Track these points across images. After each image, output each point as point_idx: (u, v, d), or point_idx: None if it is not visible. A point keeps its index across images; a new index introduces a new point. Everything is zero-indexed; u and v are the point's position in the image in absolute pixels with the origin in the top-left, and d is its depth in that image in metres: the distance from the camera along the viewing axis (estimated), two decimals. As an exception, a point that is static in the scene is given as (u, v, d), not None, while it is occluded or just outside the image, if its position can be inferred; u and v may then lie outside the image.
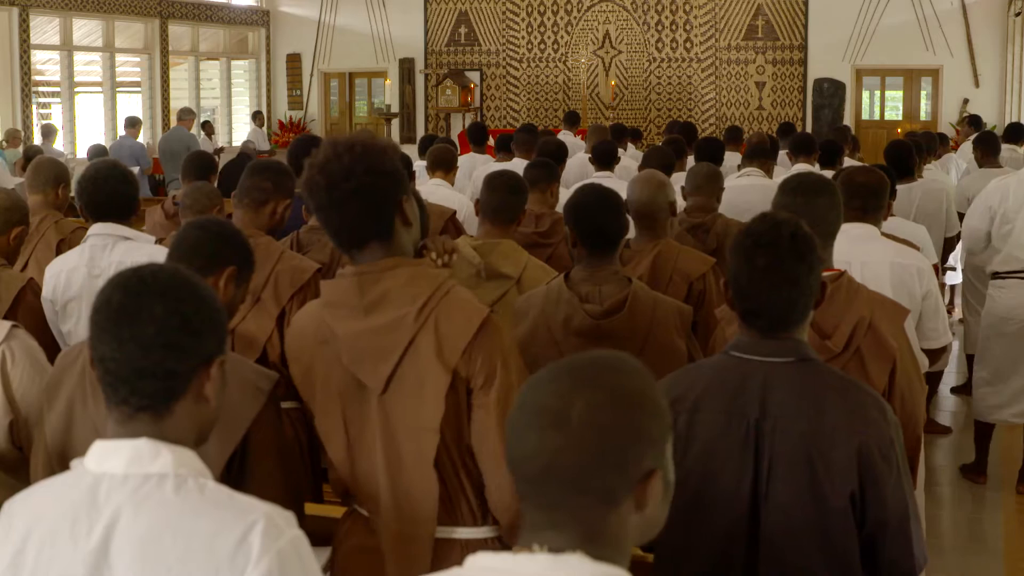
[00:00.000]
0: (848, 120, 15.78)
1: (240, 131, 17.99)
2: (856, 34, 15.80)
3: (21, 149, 11.69)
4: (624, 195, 3.77)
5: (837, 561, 2.13)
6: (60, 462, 2.20)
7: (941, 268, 6.60)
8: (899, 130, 14.21)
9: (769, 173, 6.82)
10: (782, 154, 8.09)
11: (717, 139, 9.09)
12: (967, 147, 10.01)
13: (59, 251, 4.21)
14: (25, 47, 14.27)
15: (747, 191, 6.09)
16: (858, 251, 3.67)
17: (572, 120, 11.76)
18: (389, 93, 16.71)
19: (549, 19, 17.21)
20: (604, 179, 5.97)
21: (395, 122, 16.70)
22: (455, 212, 5.25)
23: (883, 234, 3.88)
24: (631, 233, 3.76)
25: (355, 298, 2.25)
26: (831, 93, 16.16)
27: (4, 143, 12.67)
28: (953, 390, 7.32)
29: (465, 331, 2.22)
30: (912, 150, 6.51)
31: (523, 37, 17.36)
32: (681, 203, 4.98)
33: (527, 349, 3.04)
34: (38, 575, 1.57)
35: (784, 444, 2.14)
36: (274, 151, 16.18)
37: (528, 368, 2.27)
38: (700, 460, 2.19)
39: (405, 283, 2.24)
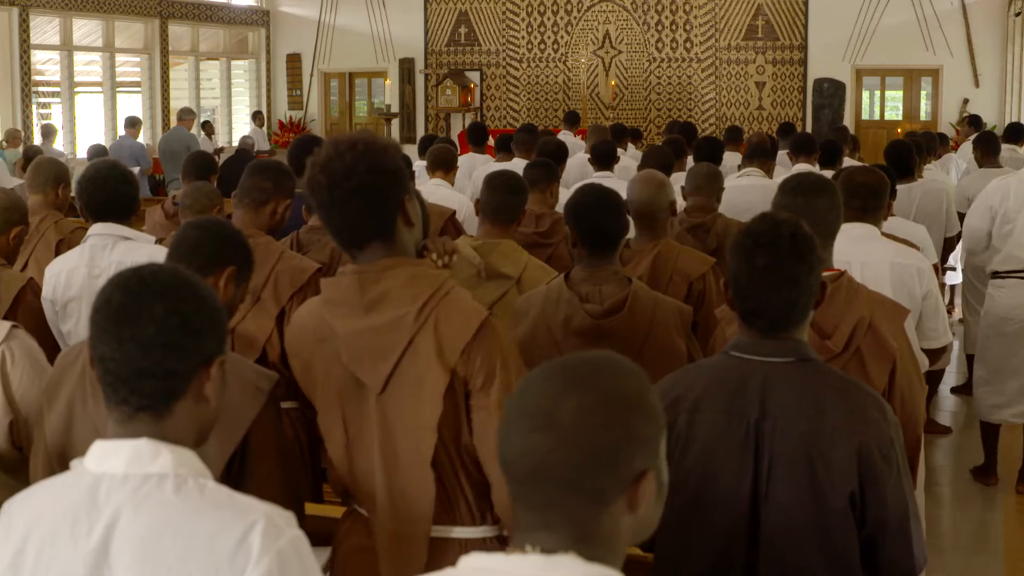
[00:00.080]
0: (848, 120, 15.78)
1: (240, 131, 17.94)
2: (856, 34, 15.80)
3: (21, 149, 11.69)
4: (624, 195, 3.77)
5: (837, 561, 2.13)
6: (60, 462, 2.20)
7: (941, 268, 6.60)
8: (899, 130, 14.21)
9: (769, 173, 6.82)
10: (782, 154, 8.09)
11: (716, 138, 9.09)
12: (967, 147, 10.01)
13: (58, 251, 4.21)
14: (25, 47, 14.27)
15: (747, 191, 6.10)
16: (858, 251, 3.67)
17: (572, 120, 11.77)
18: (389, 93, 16.71)
19: (549, 19, 17.21)
20: (603, 179, 5.97)
21: (395, 122, 16.71)
22: (455, 212, 5.26)
23: (883, 234, 3.88)
24: (631, 233, 3.76)
25: (355, 296, 2.25)
26: (831, 93, 16.16)
27: (4, 143, 12.67)
28: (953, 390, 7.32)
29: (464, 332, 2.22)
30: (912, 150, 6.51)
31: (523, 37, 17.36)
32: (681, 203, 4.98)
33: (527, 349, 3.04)
34: (38, 575, 1.57)
35: (784, 444, 2.14)
36: (274, 151, 16.18)
37: (528, 368, 2.27)
38: (700, 460, 2.19)
39: (405, 283, 2.24)
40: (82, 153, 13.15)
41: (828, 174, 4.51)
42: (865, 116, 16.57)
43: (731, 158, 8.53)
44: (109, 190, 3.84)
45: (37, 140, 13.05)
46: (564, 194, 4.43)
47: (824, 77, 16.13)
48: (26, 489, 1.68)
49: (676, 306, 3.32)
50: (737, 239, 2.27)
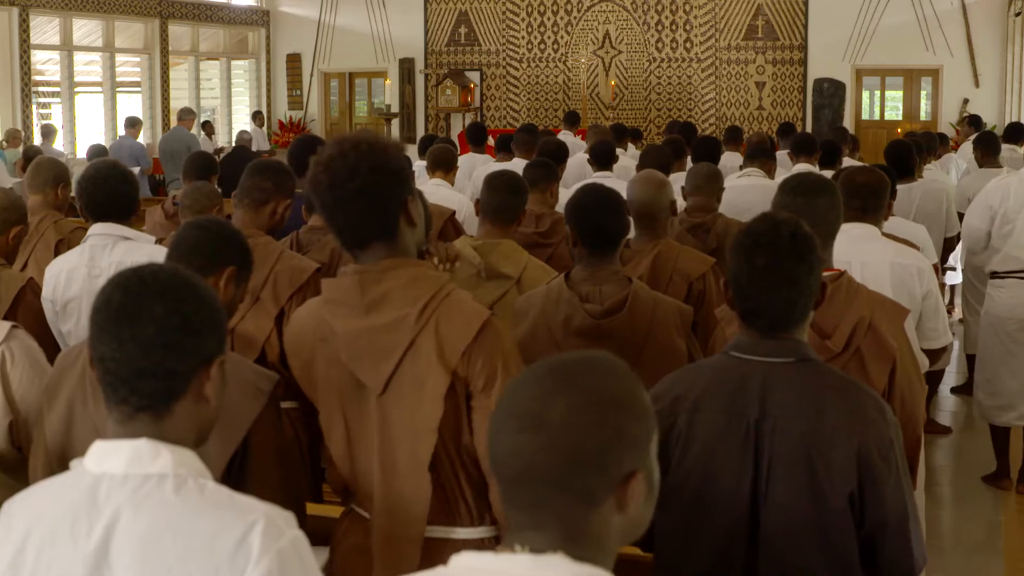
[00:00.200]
0: (848, 120, 15.79)
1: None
2: (856, 34, 15.80)
3: (21, 149, 11.69)
4: (624, 195, 3.77)
5: (837, 561, 2.13)
6: (60, 462, 2.20)
7: (941, 268, 6.60)
8: (899, 130, 14.21)
9: (770, 173, 6.82)
10: (782, 154, 8.09)
11: (714, 138, 9.09)
12: (967, 147, 10.02)
13: (58, 251, 4.21)
14: (25, 47, 14.28)
15: (747, 191, 6.09)
16: (858, 251, 3.67)
17: (572, 120, 11.77)
18: (389, 93, 16.70)
19: (549, 19, 17.21)
20: (603, 179, 5.97)
21: (395, 122, 16.70)
22: (455, 212, 5.26)
23: (883, 234, 3.88)
24: (631, 233, 3.76)
25: (356, 297, 2.25)
26: (831, 93, 16.16)
27: (4, 143, 12.68)
28: (953, 390, 7.32)
29: (465, 333, 2.22)
30: (912, 150, 6.51)
31: (523, 37, 17.36)
32: (681, 203, 4.98)
33: (527, 349, 3.04)
34: (38, 575, 1.57)
35: (784, 444, 2.14)
36: (274, 151, 16.18)
37: (528, 368, 2.28)
38: (700, 460, 2.19)
39: (406, 284, 2.24)
40: (82, 153, 13.14)
41: (828, 174, 4.51)
42: (865, 116, 16.57)
43: (731, 158, 8.54)
44: (109, 190, 3.84)
45: (37, 140, 13.05)
46: (564, 194, 4.43)
47: (824, 77, 16.13)
48: (26, 489, 1.68)
49: (676, 306, 3.32)
50: (737, 239, 2.27)
